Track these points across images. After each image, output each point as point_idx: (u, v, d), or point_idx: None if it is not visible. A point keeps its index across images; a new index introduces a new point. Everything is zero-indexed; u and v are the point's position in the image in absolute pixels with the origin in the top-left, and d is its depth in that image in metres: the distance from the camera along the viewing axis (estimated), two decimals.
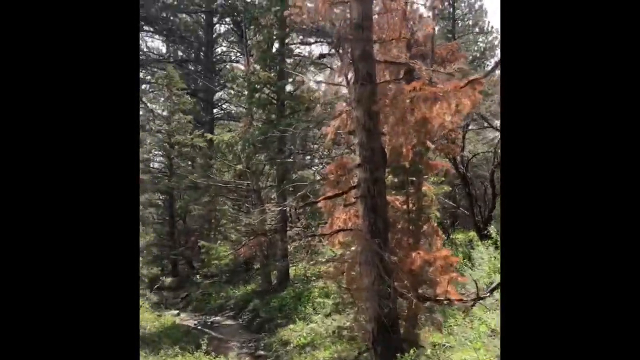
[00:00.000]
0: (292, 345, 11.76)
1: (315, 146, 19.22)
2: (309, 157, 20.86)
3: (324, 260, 13.90)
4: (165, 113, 23.62)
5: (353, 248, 7.75)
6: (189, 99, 23.58)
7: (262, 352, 12.31)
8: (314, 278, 17.66)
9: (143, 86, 32.29)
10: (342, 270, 8.07)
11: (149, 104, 26.50)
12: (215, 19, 32.43)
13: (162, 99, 23.56)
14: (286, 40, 19.22)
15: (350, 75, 7.33)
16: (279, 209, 17.13)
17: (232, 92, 21.04)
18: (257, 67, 18.14)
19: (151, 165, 24.88)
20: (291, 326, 13.15)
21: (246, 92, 19.19)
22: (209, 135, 19.44)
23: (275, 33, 18.36)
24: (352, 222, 7.54)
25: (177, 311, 18.15)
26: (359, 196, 7.23)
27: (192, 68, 32.77)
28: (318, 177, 18.06)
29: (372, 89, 7.17)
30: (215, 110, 32.17)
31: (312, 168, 19.97)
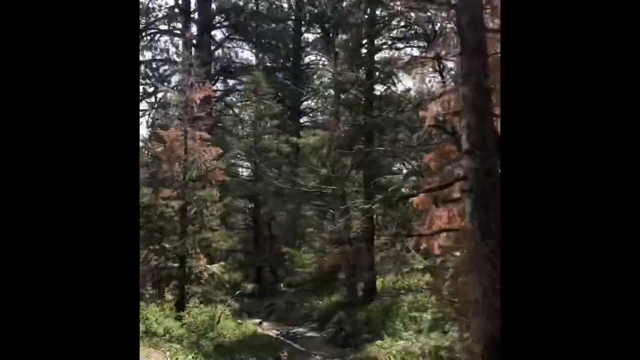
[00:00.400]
0: None
1: (407, 149, 18.00)
2: (398, 161, 19.63)
3: (419, 267, 12.70)
4: (251, 118, 23.37)
5: (457, 253, 6.55)
6: (276, 104, 23.21)
7: None
8: (402, 291, 16.42)
9: (231, 95, 32.76)
10: (444, 280, 6.87)
11: (236, 110, 26.49)
12: (303, 28, 32.33)
13: (249, 104, 23.32)
14: (375, 40, 18.25)
15: (454, 47, 6.18)
16: (365, 216, 16.18)
17: (319, 92, 20.34)
18: (345, 67, 17.33)
19: (237, 171, 24.69)
20: (379, 342, 12.01)
21: (333, 94, 18.47)
22: (295, 139, 18.83)
23: (364, 31, 17.50)
24: (456, 222, 6.35)
25: (259, 320, 17.54)
26: (466, 190, 6.05)
27: (280, 76, 32.70)
28: (405, 183, 16.81)
29: (483, 61, 6.00)
30: (302, 120, 31.81)
31: (402, 171, 18.71)
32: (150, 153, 14.70)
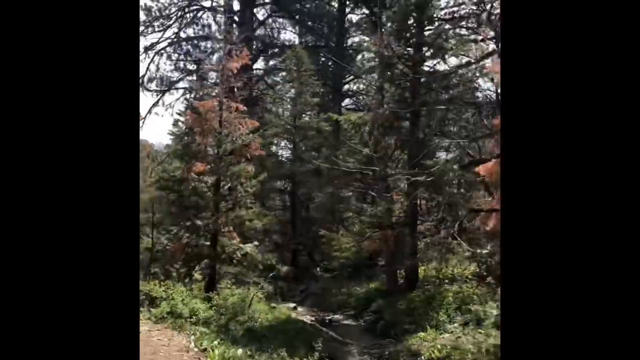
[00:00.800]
0: (423, 357, 9.67)
1: (454, 129, 16.81)
2: (446, 140, 18.39)
3: (466, 256, 11.63)
4: (292, 95, 22.48)
5: None
6: (317, 81, 22.24)
7: None
8: (446, 280, 15.40)
9: (271, 75, 31.97)
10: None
11: (275, 86, 25.64)
12: (347, 8, 31.18)
13: (290, 80, 22.39)
14: (425, 13, 16.97)
15: None
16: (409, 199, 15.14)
17: (362, 68, 19.25)
18: (391, 39, 16.17)
19: (275, 150, 23.88)
20: (421, 334, 11.05)
21: (377, 70, 17.37)
22: (335, 116, 17.84)
23: (412, 1, 16.27)
24: None
25: (293, 304, 16.81)
26: None
27: (322, 57, 31.63)
28: (455, 166, 15.59)
29: None
30: (343, 103, 30.73)
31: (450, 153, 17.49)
32: (184, 125, 14.05)
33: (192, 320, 9.74)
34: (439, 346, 9.83)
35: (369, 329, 13.88)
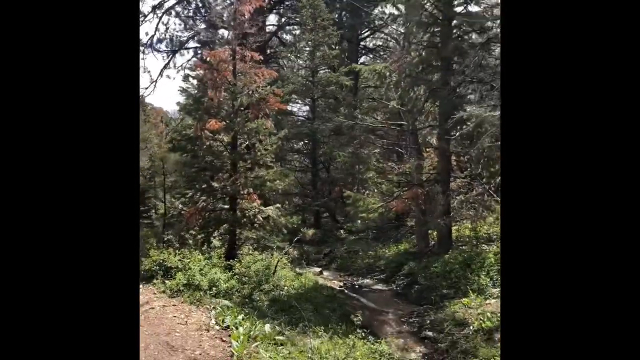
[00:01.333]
0: (471, 328, 8.60)
1: (490, 76, 15.33)
2: (482, 89, 16.94)
3: None
4: (308, 48, 20.99)
5: None
6: (336, 32, 20.69)
7: (429, 333, 9.26)
8: (483, 240, 14.30)
9: (285, 30, 30.28)
10: None
11: (289, 38, 24.10)
12: None
13: (306, 31, 20.84)
14: None
15: None
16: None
17: (384, 16, 17.71)
18: None
19: (293, 108, 22.54)
20: (464, 300, 9.98)
21: (403, 14, 15.86)
22: (357, 67, 16.41)
23: None
24: None
25: (319, 269, 15.88)
26: None
27: (338, 8, 29.74)
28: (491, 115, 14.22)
29: None
30: (361, 60, 28.97)
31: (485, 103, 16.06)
32: (195, 79, 12.82)
33: (211, 292, 8.75)
34: (488, 314, 8.77)
35: (402, 294, 12.88)
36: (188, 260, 9.53)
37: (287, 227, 12.33)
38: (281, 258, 11.48)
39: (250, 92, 11.45)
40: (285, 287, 10.48)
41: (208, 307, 8.03)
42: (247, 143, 11.75)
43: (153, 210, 15.94)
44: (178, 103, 12.28)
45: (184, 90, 13.50)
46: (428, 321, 9.94)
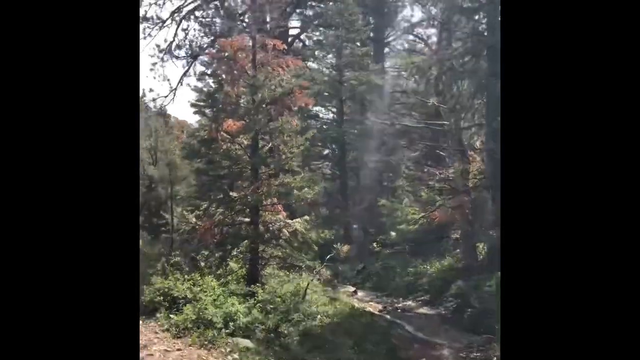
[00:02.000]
0: None
1: None
2: None
3: None
4: (336, 45, 19.30)
5: None
6: (365, 27, 19.04)
7: None
8: None
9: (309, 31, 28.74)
10: None
11: (315, 36, 22.48)
12: None
13: (333, 27, 19.20)
14: None
15: None
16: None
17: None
18: None
19: (318, 110, 20.73)
20: None
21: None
22: (394, 61, 14.69)
23: None
24: None
25: (352, 288, 14.08)
26: None
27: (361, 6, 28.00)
28: None
29: None
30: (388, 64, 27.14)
31: None
32: (209, 75, 11.24)
33: (227, 330, 6.98)
34: None
35: (452, 319, 11.03)
36: (199, 288, 7.82)
37: (317, 243, 10.56)
38: (311, 280, 9.73)
39: (273, 85, 9.78)
40: (318, 316, 8.71)
41: (223, 350, 6.30)
42: (269, 145, 10.06)
43: (170, 226, 14.39)
44: (193, 104, 10.64)
45: (200, 91, 11.90)
46: (494, 358, 8.09)
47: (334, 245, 10.93)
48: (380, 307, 12.41)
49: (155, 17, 27.83)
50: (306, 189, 9.97)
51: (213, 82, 10.89)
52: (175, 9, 28.80)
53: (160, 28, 28.82)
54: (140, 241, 15.24)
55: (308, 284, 9.39)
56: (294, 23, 28.87)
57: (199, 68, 28.41)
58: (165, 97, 29.69)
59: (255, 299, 8.20)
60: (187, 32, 30.47)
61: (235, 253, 10.04)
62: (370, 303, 12.83)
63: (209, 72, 12.67)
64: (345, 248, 11.16)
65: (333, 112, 20.87)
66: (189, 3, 29.09)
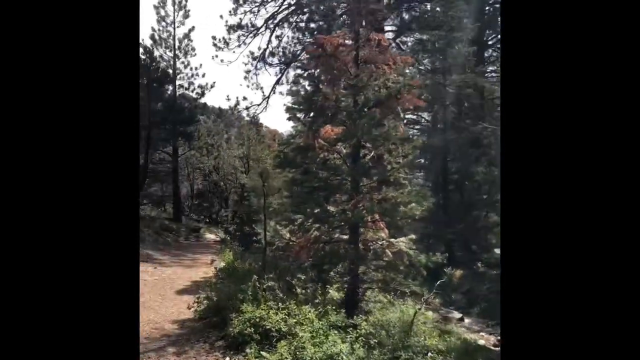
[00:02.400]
0: None
1: None
2: None
3: None
4: (438, 45, 17.89)
5: None
6: (472, 25, 17.43)
7: None
8: None
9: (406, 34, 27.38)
10: None
11: (418, 34, 21.10)
12: None
13: (436, 26, 17.79)
14: None
15: None
16: None
17: None
18: None
19: (416, 116, 19.34)
20: None
21: None
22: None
23: None
24: None
25: (458, 314, 12.52)
26: None
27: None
28: None
29: None
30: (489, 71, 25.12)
31: None
32: (305, 77, 10.29)
33: None
34: None
35: None
36: (294, 319, 6.76)
37: (423, 265, 9.21)
38: (420, 309, 8.40)
39: (377, 86, 8.63)
40: (429, 353, 7.38)
41: None
42: (372, 154, 8.90)
43: (263, 241, 13.61)
44: (288, 108, 9.72)
45: (296, 93, 10.98)
46: None
47: (447, 270, 9.50)
48: (492, 339, 10.79)
49: (249, 25, 27.74)
50: (414, 204, 8.68)
51: (309, 84, 9.94)
52: (269, 16, 28.63)
53: (254, 36, 28.77)
54: (230, 253, 14.63)
55: (415, 313, 8.09)
56: (388, 27, 27.76)
57: (292, 76, 27.84)
58: (258, 105, 29.55)
59: (357, 332, 7.02)
60: (280, 39, 30.22)
61: (331, 277, 8.96)
62: (482, 334, 11.22)
63: (305, 74, 11.74)
64: (458, 273, 9.71)
65: (433, 118, 19.39)
66: (283, 9, 28.80)
